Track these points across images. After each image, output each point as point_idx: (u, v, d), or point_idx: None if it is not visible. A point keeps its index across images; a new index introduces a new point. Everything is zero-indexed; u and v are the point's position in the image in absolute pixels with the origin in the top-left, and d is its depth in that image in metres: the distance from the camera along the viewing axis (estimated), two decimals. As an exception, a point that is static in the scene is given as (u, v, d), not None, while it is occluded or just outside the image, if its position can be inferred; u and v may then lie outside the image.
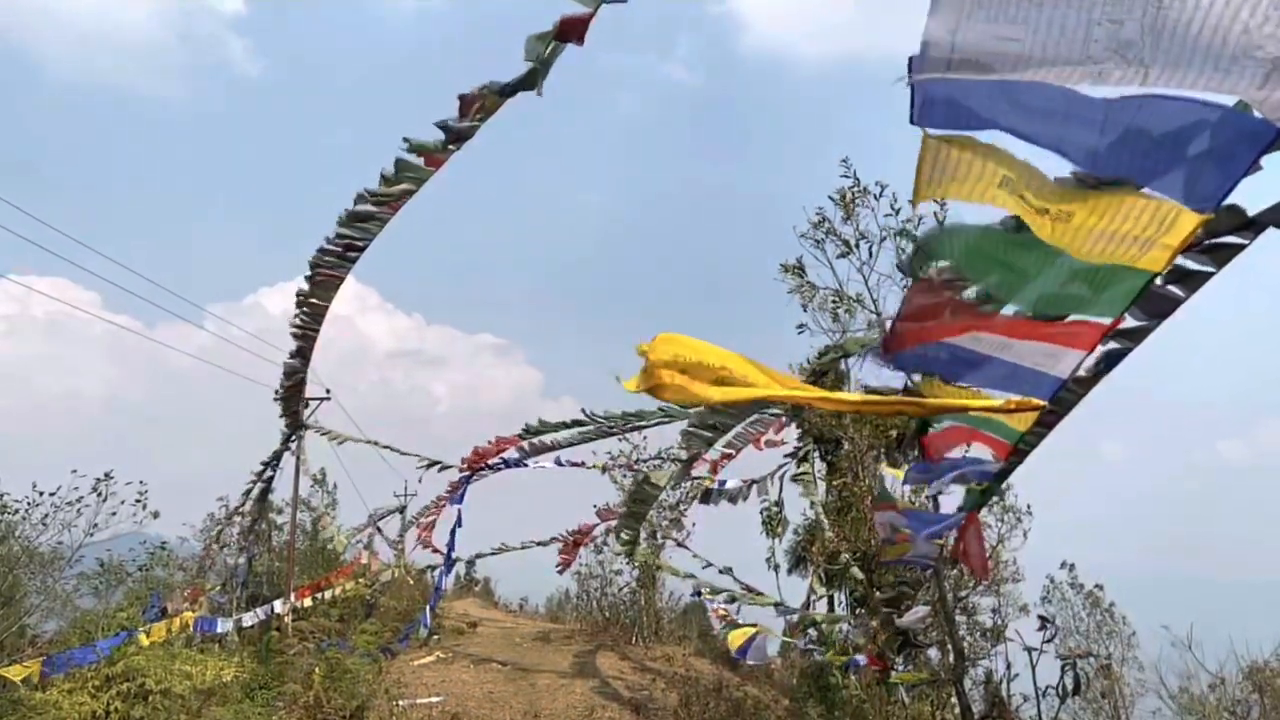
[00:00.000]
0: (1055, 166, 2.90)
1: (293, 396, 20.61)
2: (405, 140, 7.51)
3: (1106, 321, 3.44)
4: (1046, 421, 6.07)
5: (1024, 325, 3.54)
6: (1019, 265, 3.27)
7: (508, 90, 6.02)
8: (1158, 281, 4.37)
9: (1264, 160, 2.73)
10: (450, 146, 7.26)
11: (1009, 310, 3.51)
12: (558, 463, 22.60)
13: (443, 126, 7.01)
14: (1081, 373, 5.32)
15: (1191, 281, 4.27)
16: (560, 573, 25.62)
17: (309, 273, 10.83)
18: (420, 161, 7.72)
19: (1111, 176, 2.89)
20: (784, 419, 14.18)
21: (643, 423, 16.91)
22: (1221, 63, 2.24)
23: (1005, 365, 3.80)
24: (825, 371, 11.37)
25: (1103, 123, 2.50)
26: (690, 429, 10.64)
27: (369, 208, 8.83)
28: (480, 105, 6.22)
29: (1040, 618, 8.84)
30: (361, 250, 10.19)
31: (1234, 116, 2.38)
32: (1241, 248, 3.98)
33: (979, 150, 2.91)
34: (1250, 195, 3.69)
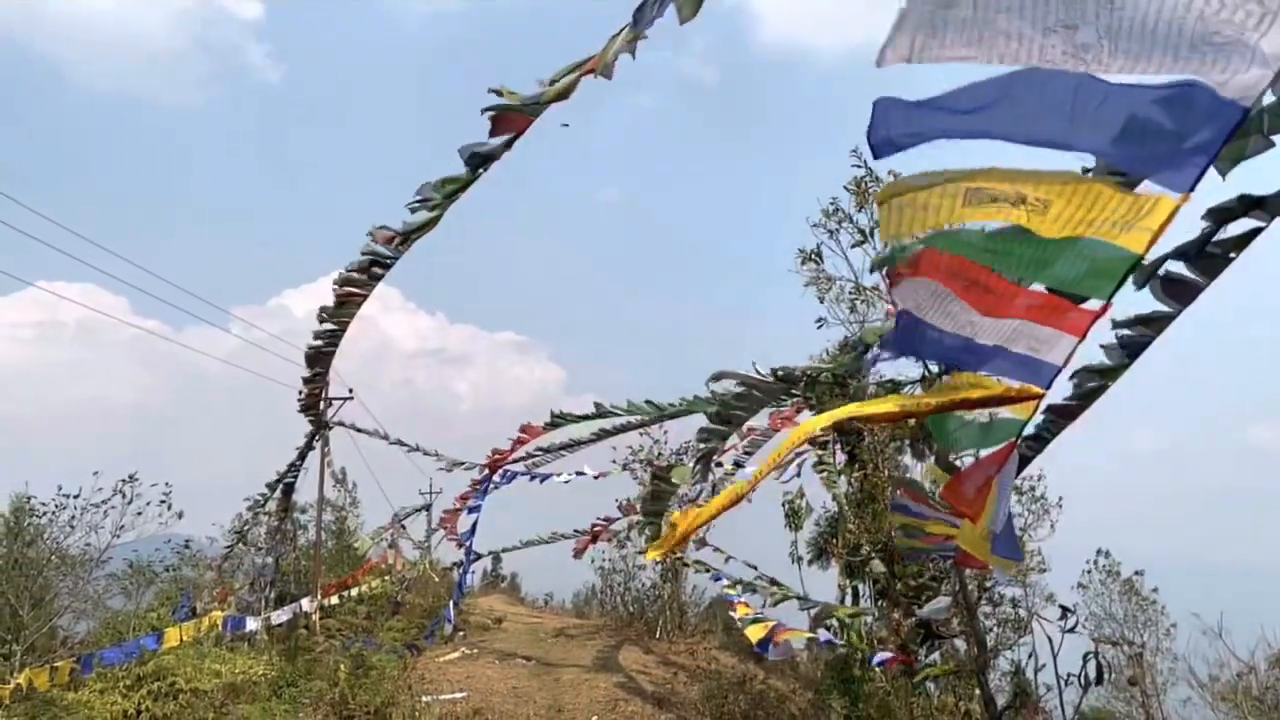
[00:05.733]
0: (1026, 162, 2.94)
1: (313, 404, 21.03)
2: (464, 158, 7.55)
3: (1095, 306, 3.41)
4: (1070, 412, 5.94)
5: (1017, 298, 3.50)
6: (1001, 249, 3.28)
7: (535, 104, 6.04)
8: (1180, 268, 4.30)
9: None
10: (480, 171, 7.33)
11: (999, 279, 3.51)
12: (579, 474, 22.64)
13: (468, 156, 7.07)
14: (1106, 361, 5.23)
15: (1210, 266, 4.17)
16: (575, 558, 25.51)
17: (335, 289, 10.90)
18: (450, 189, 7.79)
19: (1085, 165, 2.89)
20: (799, 403, 14.08)
21: (664, 415, 16.87)
22: (1181, 52, 2.27)
23: (1006, 354, 3.78)
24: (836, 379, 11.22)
25: (1070, 111, 2.52)
26: (706, 426, 10.56)
27: (399, 228, 8.88)
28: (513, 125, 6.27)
29: (1061, 607, 8.75)
30: (388, 268, 10.26)
31: (1200, 98, 2.38)
32: (1259, 230, 3.89)
33: (934, 188, 3.01)
34: (1264, 176, 3.60)
